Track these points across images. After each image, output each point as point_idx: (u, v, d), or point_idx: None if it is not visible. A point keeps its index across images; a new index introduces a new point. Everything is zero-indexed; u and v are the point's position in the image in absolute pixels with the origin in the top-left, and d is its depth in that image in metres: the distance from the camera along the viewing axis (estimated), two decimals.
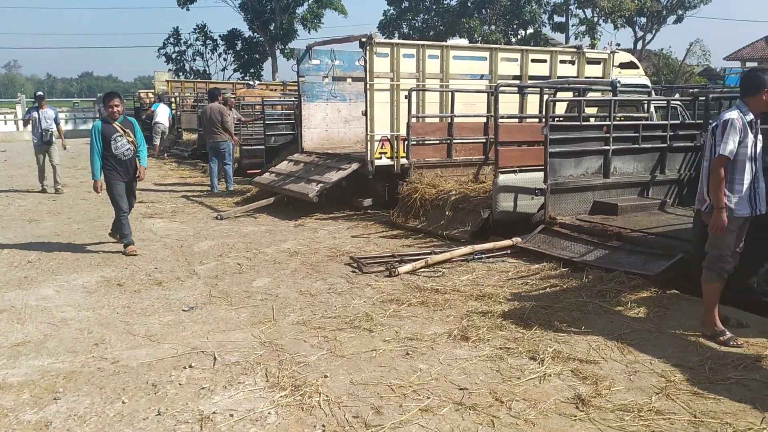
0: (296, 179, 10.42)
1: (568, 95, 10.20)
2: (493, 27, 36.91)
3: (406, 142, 9.52)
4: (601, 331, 4.87)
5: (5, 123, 29.81)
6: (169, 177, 15.46)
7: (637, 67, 15.90)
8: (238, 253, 7.55)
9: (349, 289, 6.08)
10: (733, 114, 4.59)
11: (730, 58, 37.97)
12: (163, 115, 20.45)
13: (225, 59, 42.46)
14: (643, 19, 38.86)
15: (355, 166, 9.84)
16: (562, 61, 11.58)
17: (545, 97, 8.82)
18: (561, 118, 9.55)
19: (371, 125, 9.66)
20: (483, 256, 6.98)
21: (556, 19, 38.96)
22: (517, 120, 10.23)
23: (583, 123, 7.99)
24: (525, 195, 7.78)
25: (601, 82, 10.91)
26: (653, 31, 39.59)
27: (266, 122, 13.84)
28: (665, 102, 9.60)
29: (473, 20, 35.87)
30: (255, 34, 41.37)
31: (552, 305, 5.43)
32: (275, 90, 24.13)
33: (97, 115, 29.09)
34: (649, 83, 13.30)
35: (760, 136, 4.72)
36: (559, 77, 11.36)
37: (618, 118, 8.49)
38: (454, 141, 9.78)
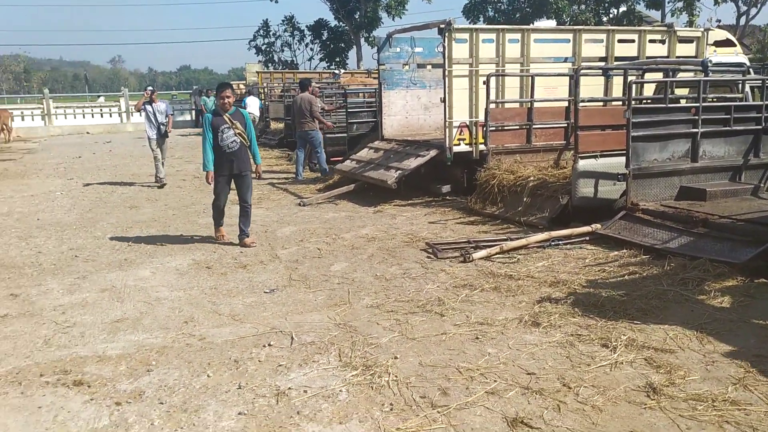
0: (376, 166, 10.59)
1: (659, 77, 9.79)
2: (582, 6, 35.65)
3: (484, 128, 9.48)
4: (680, 320, 4.74)
5: (110, 115, 31.78)
6: None
7: (734, 45, 14.99)
8: (318, 239, 7.82)
9: (423, 274, 6.19)
10: None
11: None
12: (253, 105, 21.18)
13: (311, 49, 43.34)
14: None
15: (433, 152, 9.91)
16: (651, 41, 11.11)
17: (629, 79, 8.53)
18: (647, 101, 9.20)
19: (450, 112, 9.68)
20: (560, 242, 6.90)
21: None
22: (600, 104, 9.95)
23: (670, 105, 7.69)
24: (606, 180, 7.60)
25: (690, 61, 10.39)
26: (758, 5, 36.94)
27: (348, 110, 14.09)
28: (761, 81, 9.06)
29: (561, 0, 34.78)
30: (340, 23, 41.91)
31: (629, 293, 5.33)
32: (368, 77, 24.52)
33: (193, 107, 30.49)
34: (746, 62, 12.54)
35: None
36: (647, 58, 10.92)
37: (710, 99, 8.11)
38: (534, 126, 9.64)
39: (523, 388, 3.82)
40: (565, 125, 9.83)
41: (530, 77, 9.80)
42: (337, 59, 42.52)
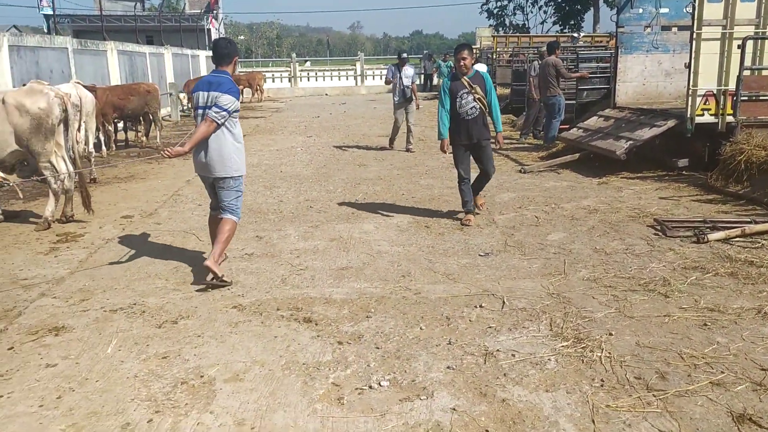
0: (604, 135, 10.04)
1: None
2: None
3: (734, 98, 8.46)
4: None
5: (347, 78, 34.01)
6: None
7: None
8: (536, 207, 7.69)
9: (649, 251, 5.80)
10: None
11: None
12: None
13: (545, 12, 41.92)
14: None
15: (671, 123, 9.09)
16: None
17: None
18: None
19: (694, 78, 8.77)
20: None
21: None
22: None
23: None
24: None
25: None
26: None
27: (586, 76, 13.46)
28: None
29: None
30: None
31: None
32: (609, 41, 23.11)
33: (422, 71, 31.34)
34: None
35: None
36: None
37: None
38: None
39: (755, 383, 3.45)
40: None
41: None
42: (572, 22, 40.67)
